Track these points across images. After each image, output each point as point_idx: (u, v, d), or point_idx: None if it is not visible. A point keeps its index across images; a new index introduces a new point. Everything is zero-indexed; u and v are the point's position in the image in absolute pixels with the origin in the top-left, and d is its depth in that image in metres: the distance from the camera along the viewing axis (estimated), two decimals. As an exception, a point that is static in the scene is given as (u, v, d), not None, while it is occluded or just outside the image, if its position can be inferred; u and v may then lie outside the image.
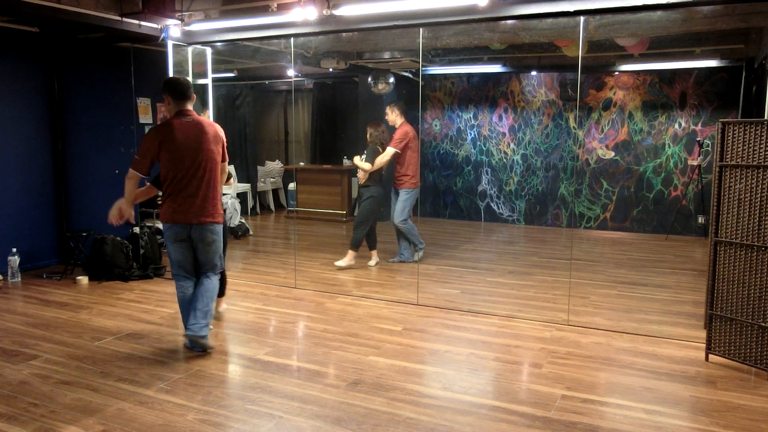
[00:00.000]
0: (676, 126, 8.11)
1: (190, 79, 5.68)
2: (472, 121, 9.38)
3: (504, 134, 9.17)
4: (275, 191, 10.84)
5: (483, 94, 9.28)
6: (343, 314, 4.69)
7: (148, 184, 4.07)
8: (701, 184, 7.90)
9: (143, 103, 6.97)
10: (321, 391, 3.27)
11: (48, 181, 6.24)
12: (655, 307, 4.88)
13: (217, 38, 5.69)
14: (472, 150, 9.41)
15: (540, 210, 9.05)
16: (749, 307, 3.48)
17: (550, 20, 4.82)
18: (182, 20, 5.61)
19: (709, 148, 7.88)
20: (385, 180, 6.34)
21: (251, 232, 8.35)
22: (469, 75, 9.29)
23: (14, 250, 5.70)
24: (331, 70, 7.96)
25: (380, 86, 7.86)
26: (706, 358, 3.74)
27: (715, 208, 3.66)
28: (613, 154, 8.50)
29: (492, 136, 9.25)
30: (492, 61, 8.35)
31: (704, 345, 3.77)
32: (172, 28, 5.66)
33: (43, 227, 6.21)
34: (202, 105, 5.67)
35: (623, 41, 6.15)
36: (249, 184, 9.86)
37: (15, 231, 5.94)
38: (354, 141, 9.37)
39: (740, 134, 3.46)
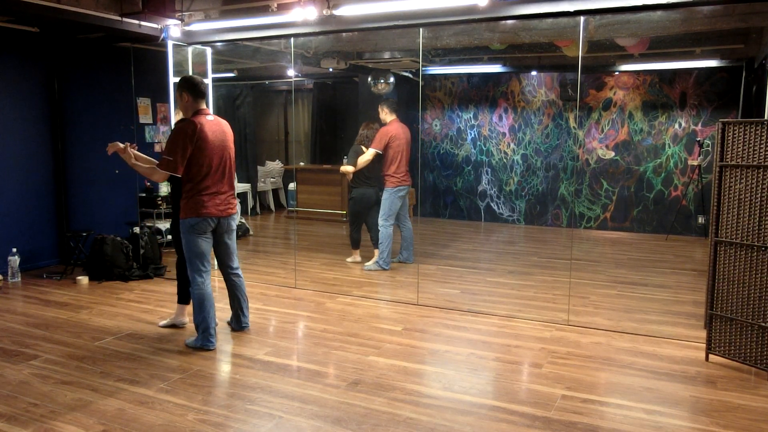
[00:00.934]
0: (676, 126, 8.11)
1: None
2: (472, 121, 9.38)
3: (504, 134, 9.17)
4: (275, 191, 10.84)
5: (483, 94, 9.28)
6: (343, 314, 4.69)
7: (152, 165, 4.04)
8: (701, 184, 7.90)
9: (143, 103, 6.98)
10: (321, 391, 3.27)
11: (48, 181, 6.24)
12: (655, 307, 4.88)
13: (217, 38, 5.69)
14: (472, 150, 9.41)
15: (540, 210, 9.05)
16: (749, 307, 3.48)
17: (550, 20, 4.82)
18: (182, 20, 5.62)
19: (709, 148, 7.89)
20: (377, 180, 6.30)
21: (251, 232, 8.35)
22: (469, 75, 9.29)
23: (14, 250, 5.70)
24: (331, 70, 7.96)
25: (380, 86, 7.86)
26: (706, 358, 3.74)
27: (715, 208, 3.66)
28: (613, 154, 8.50)
29: (492, 136, 9.25)
30: (492, 61, 8.36)
31: (704, 345, 3.77)
32: (172, 28, 5.66)
33: (43, 227, 6.21)
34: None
35: (623, 41, 6.15)
36: (249, 184, 9.86)
37: (15, 231, 5.94)
38: (354, 141, 9.35)
39: (740, 134, 3.46)
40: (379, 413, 3.02)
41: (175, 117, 5.18)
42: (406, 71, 8.92)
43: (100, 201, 6.62)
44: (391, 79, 7.86)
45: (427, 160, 9.73)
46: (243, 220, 8.23)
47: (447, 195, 9.69)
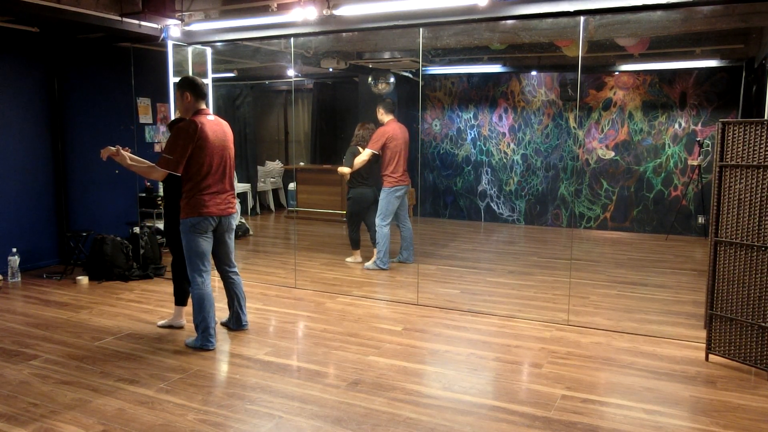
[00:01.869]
0: (676, 126, 8.11)
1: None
2: (472, 121, 9.38)
3: (504, 134, 9.17)
4: (275, 191, 10.84)
5: (483, 94, 9.28)
6: (343, 314, 4.69)
7: (149, 164, 4.04)
8: (701, 184, 7.90)
9: (143, 103, 6.98)
10: (321, 391, 3.27)
11: (48, 181, 6.24)
12: (655, 307, 4.88)
13: (217, 38, 5.69)
14: (472, 150, 9.41)
15: (540, 210, 9.05)
16: (749, 307, 3.48)
17: (550, 20, 4.81)
18: (182, 20, 5.62)
19: (709, 148, 7.89)
20: (375, 180, 6.29)
21: (251, 232, 8.35)
22: (469, 75, 9.29)
23: (14, 250, 5.70)
24: (331, 70, 7.96)
25: (380, 86, 7.86)
26: (706, 358, 3.74)
27: (715, 208, 3.66)
28: (613, 154, 8.50)
29: (492, 136, 9.25)
30: (492, 61, 8.35)
31: (704, 345, 3.77)
32: (172, 28, 5.66)
33: (43, 227, 6.21)
34: None
35: (623, 41, 6.15)
36: (249, 184, 9.86)
37: (15, 231, 5.94)
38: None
39: (740, 134, 3.46)
40: (379, 413, 3.02)
41: (174, 117, 5.16)
42: (406, 71, 8.93)
43: (100, 201, 6.62)
44: (391, 79, 7.86)
45: (427, 160, 9.73)
46: (243, 220, 8.23)
47: (447, 195, 9.69)
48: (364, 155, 6.07)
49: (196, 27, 5.65)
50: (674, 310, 4.79)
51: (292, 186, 9.89)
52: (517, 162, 9.12)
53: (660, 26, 5.26)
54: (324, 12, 4.86)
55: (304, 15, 4.96)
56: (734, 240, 3.52)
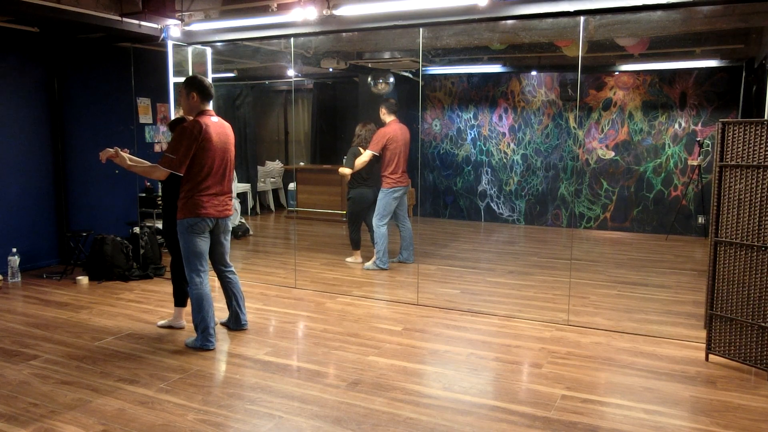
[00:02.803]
0: (676, 126, 8.11)
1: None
2: (472, 121, 9.38)
3: (504, 134, 9.17)
4: (275, 191, 10.84)
5: (483, 94, 9.28)
6: (343, 314, 4.69)
7: (150, 164, 4.04)
8: (701, 184, 7.90)
9: (143, 103, 6.98)
10: (321, 391, 3.27)
11: (48, 181, 6.24)
12: (655, 307, 4.88)
13: (217, 38, 5.69)
14: (472, 150, 9.41)
15: (540, 210, 9.05)
16: (749, 307, 3.48)
17: (550, 20, 4.82)
18: (182, 20, 5.62)
19: (709, 148, 7.89)
20: (375, 180, 6.28)
21: (251, 232, 8.35)
22: (469, 75, 9.29)
23: (14, 250, 5.70)
24: (331, 70, 7.96)
25: (380, 86, 7.86)
26: (706, 358, 3.74)
27: (715, 208, 3.66)
28: (613, 154, 8.50)
29: (492, 136, 9.25)
30: (492, 61, 8.36)
31: (704, 345, 3.78)
32: (172, 28, 5.66)
33: (43, 227, 6.21)
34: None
35: (623, 41, 6.15)
36: (249, 184, 9.86)
37: (15, 231, 5.94)
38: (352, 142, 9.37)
39: (740, 134, 3.46)
40: (379, 413, 3.02)
41: (175, 116, 5.16)
42: (406, 71, 8.92)
43: (100, 201, 6.62)
44: (391, 79, 7.86)
45: (427, 160, 9.73)
46: (243, 220, 8.24)
47: (447, 195, 9.69)
48: (364, 156, 6.07)
49: (196, 27, 5.65)
50: (674, 310, 4.79)
51: (292, 186, 9.89)
52: (517, 162, 9.12)
53: (660, 26, 5.26)
54: (324, 12, 4.86)
55: (304, 15, 4.96)
56: (734, 240, 3.52)
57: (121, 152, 3.92)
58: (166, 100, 6.38)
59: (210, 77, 6.02)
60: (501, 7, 4.44)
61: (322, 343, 4.04)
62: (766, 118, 4.11)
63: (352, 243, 6.45)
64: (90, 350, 3.91)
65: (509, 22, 5.33)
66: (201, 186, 3.83)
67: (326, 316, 4.66)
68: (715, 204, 3.64)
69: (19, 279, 5.70)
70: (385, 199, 6.06)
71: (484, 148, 9.33)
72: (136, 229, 6.18)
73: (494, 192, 9.32)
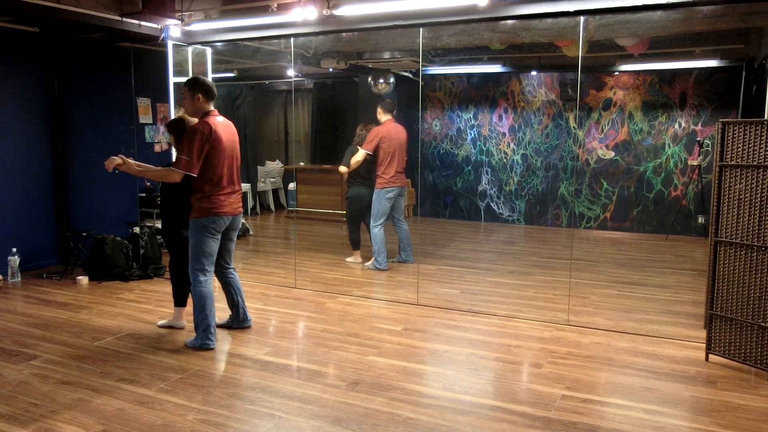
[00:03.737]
0: (676, 126, 8.11)
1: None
2: (472, 121, 9.38)
3: (504, 134, 9.17)
4: (275, 191, 10.84)
5: (483, 94, 9.28)
6: (343, 314, 4.69)
7: (160, 168, 4.01)
8: (701, 184, 7.90)
9: (143, 103, 6.98)
10: (321, 391, 3.27)
11: (48, 181, 6.24)
12: (655, 307, 4.88)
13: (217, 38, 5.69)
14: (472, 150, 9.41)
15: (540, 210, 9.05)
16: (749, 307, 3.48)
17: (550, 20, 4.82)
18: (182, 20, 5.62)
19: (709, 148, 7.89)
20: (373, 179, 6.27)
21: (251, 232, 8.35)
22: (469, 75, 9.29)
23: (14, 250, 5.70)
24: (331, 70, 7.96)
25: (380, 86, 7.86)
26: (706, 358, 3.74)
27: (715, 208, 3.66)
28: (613, 154, 8.50)
29: (492, 136, 9.26)
30: (492, 61, 8.36)
31: (704, 345, 3.77)
32: (172, 28, 5.66)
33: (43, 227, 6.21)
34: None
35: (623, 41, 6.15)
36: (249, 184, 9.86)
37: (15, 231, 5.94)
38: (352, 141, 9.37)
39: (740, 134, 3.46)
40: (379, 413, 3.02)
41: (174, 117, 5.15)
42: (406, 71, 8.92)
43: (100, 201, 6.62)
44: (391, 79, 7.86)
45: (427, 160, 9.74)
46: (243, 220, 8.24)
47: (447, 195, 9.69)
48: (358, 156, 6.06)
49: (196, 27, 5.64)
50: (674, 310, 4.79)
51: (292, 186, 9.89)
52: (517, 162, 9.12)
53: (660, 26, 5.26)
54: (324, 12, 4.86)
55: (304, 15, 4.96)
56: (734, 240, 3.52)
57: (128, 160, 3.89)
58: (166, 100, 6.38)
59: (210, 77, 6.02)
60: (501, 7, 4.44)
61: (322, 343, 4.04)
62: (766, 118, 4.11)
63: (351, 243, 6.45)
64: (90, 350, 3.91)
65: (509, 22, 5.34)
66: (218, 186, 3.88)
67: (326, 316, 4.66)
68: (715, 204, 3.64)
69: (19, 279, 5.70)
70: (378, 200, 6.03)
71: (484, 148, 9.33)
72: (136, 229, 6.18)
73: (494, 192, 9.32)
